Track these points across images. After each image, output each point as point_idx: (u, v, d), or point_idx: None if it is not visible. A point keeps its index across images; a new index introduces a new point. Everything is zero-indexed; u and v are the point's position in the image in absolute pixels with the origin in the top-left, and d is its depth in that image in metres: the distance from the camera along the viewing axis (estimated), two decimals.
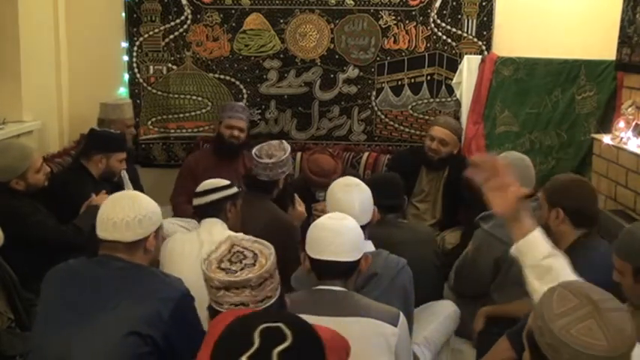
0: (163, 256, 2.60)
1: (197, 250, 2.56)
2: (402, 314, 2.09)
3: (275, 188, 3.24)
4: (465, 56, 4.45)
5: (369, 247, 2.45)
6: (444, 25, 4.50)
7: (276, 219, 3.11)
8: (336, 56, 4.58)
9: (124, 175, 3.92)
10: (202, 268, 1.71)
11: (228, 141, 4.00)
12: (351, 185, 2.48)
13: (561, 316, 1.28)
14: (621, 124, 3.75)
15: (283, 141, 3.35)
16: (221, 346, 1.16)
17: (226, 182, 2.78)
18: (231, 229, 2.67)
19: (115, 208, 2.09)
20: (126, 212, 2.08)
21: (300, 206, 3.39)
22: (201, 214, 2.72)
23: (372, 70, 4.58)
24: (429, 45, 4.52)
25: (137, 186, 4.02)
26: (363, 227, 2.42)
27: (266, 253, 1.74)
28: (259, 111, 4.67)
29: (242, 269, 1.68)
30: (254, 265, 1.69)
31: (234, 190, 2.78)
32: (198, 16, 4.57)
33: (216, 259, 1.73)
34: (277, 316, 1.19)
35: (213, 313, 1.70)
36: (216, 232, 2.62)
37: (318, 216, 3.41)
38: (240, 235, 1.82)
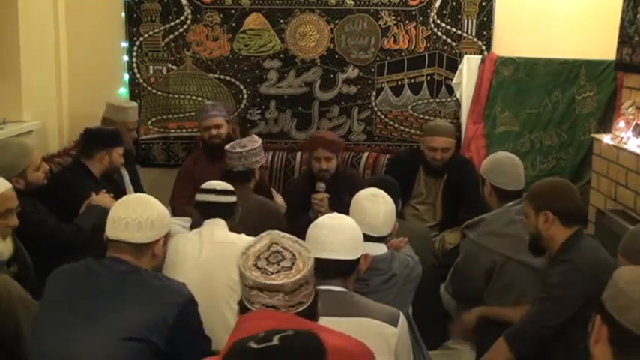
0: (166, 257, 2.59)
1: (197, 252, 2.55)
2: (402, 314, 2.09)
3: (252, 178, 3.39)
4: (465, 56, 4.45)
5: (382, 248, 2.46)
6: (443, 25, 4.50)
7: (263, 203, 3.31)
8: (336, 56, 4.58)
9: (125, 174, 3.92)
10: (239, 262, 1.65)
11: (210, 143, 4.04)
12: (377, 195, 2.50)
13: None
14: (621, 124, 3.75)
15: (254, 135, 3.63)
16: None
17: (232, 188, 2.79)
18: (231, 231, 2.67)
19: (129, 208, 2.08)
20: (139, 213, 2.06)
21: (278, 198, 3.67)
22: (207, 211, 2.68)
23: (372, 70, 4.57)
24: (429, 45, 4.52)
25: (137, 186, 4.03)
26: (382, 239, 2.46)
27: (304, 256, 1.66)
28: (259, 111, 4.67)
29: (278, 272, 1.61)
30: (291, 268, 1.62)
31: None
32: (198, 16, 4.56)
33: (253, 255, 1.66)
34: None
35: (243, 309, 1.66)
36: (218, 233, 2.61)
37: (317, 204, 3.54)
38: (281, 232, 1.75)
